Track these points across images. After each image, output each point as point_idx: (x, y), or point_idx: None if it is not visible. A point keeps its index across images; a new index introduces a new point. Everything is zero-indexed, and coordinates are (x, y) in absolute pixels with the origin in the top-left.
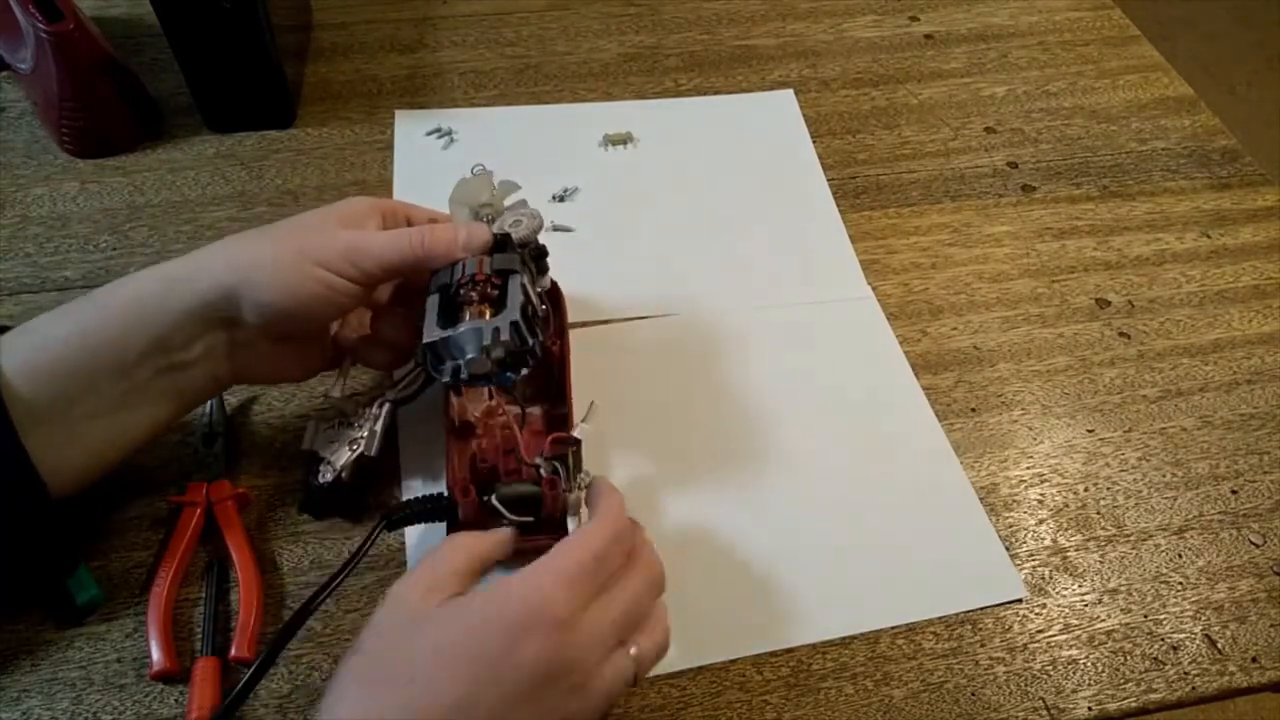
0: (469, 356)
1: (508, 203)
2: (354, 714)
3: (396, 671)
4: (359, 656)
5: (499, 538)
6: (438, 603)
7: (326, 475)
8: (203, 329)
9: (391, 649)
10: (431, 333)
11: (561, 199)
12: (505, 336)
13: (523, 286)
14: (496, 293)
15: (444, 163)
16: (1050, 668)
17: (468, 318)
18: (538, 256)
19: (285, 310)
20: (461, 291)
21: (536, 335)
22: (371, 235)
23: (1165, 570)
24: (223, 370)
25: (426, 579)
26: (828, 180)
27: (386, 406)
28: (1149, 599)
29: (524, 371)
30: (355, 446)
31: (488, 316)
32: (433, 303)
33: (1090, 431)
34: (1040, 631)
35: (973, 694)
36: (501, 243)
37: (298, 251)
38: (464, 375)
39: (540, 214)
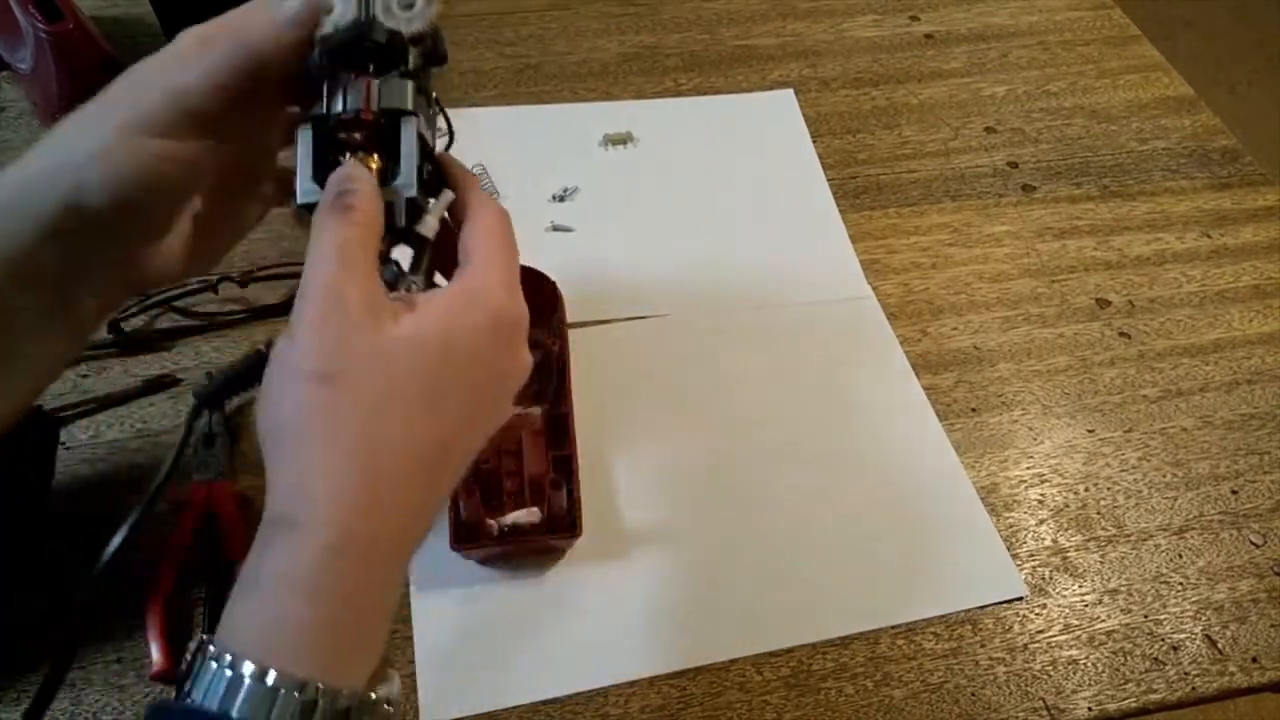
0: None
1: None
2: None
3: (387, 401)
4: (316, 391)
5: (373, 203)
6: (392, 311)
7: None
8: (62, 251)
9: (369, 375)
10: (305, 190)
11: (561, 199)
12: (399, 213)
13: (419, 137)
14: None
15: None
16: (1050, 668)
17: None
18: (431, 53)
19: (134, 208)
20: (342, 134)
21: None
22: (187, 65)
23: (1165, 570)
24: (110, 284)
25: (360, 289)
26: (828, 180)
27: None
28: (1149, 599)
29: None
30: None
31: (374, 168)
32: (305, 141)
33: (1090, 431)
34: (1040, 632)
35: (973, 694)
36: (388, 46)
37: (118, 129)
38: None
39: None
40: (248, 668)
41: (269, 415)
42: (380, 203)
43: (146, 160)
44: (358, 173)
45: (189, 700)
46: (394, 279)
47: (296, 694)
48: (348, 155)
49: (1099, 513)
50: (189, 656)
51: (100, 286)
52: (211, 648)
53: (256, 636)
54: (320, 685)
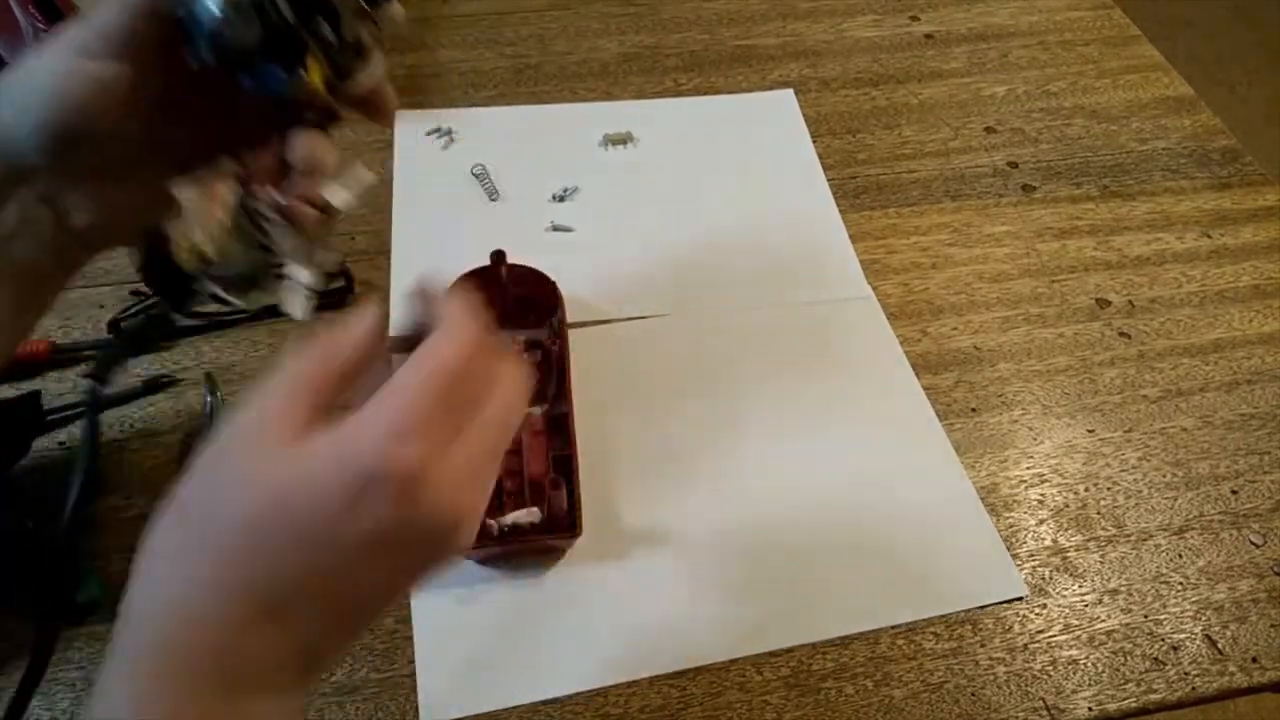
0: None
1: None
2: (160, 591)
3: (210, 536)
4: (174, 512)
5: (353, 338)
6: (278, 439)
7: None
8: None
9: (209, 505)
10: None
11: (561, 199)
12: None
13: None
14: None
15: (444, 163)
16: (1050, 668)
17: None
18: None
19: (70, 133)
20: None
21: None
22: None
23: (1165, 570)
24: (59, 236)
25: (278, 405)
26: (828, 180)
27: None
28: (1149, 599)
29: (300, 74)
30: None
31: None
32: None
33: (1090, 431)
34: (1040, 632)
35: (973, 694)
36: None
37: (58, 53)
38: (205, 53)
39: None
40: None
41: (148, 545)
42: (346, 347)
43: (78, 82)
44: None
45: None
46: None
47: None
48: None
49: (1099, 513)
50: None
51: (54, 239)
52: None
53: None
54: None
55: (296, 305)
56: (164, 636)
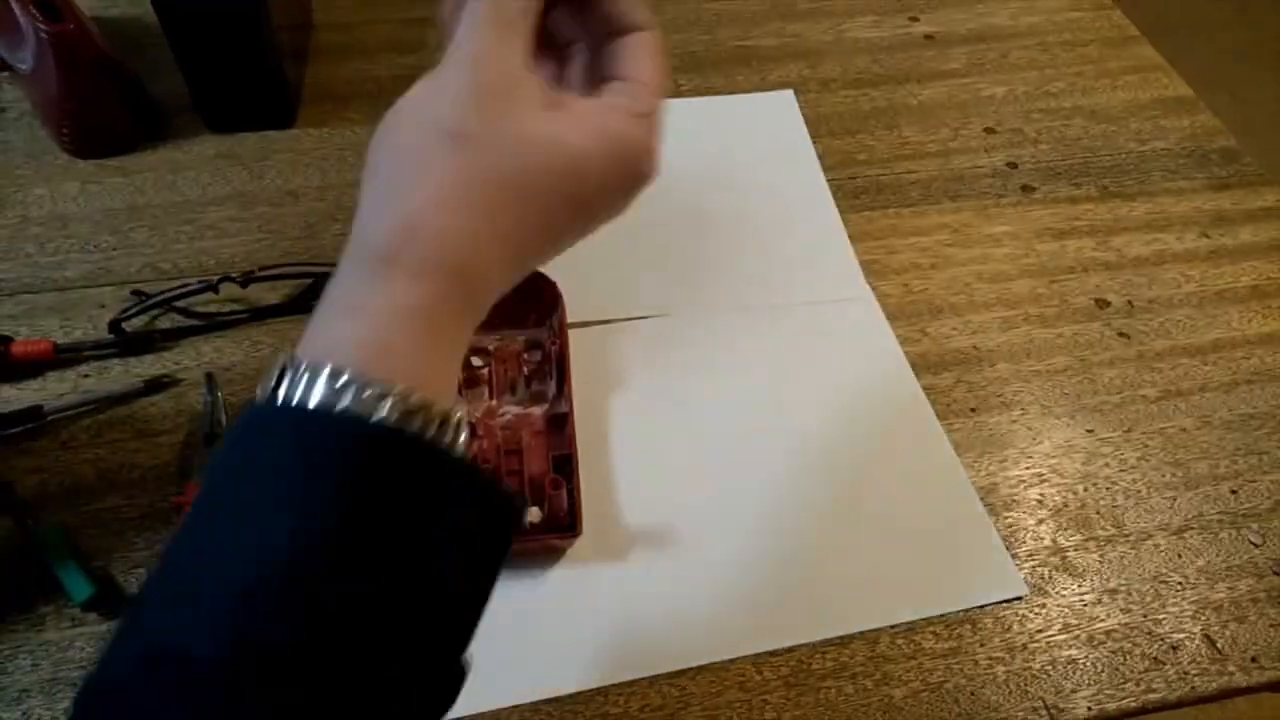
0: None
1: None
2: (419, 193)
3: (493, 173)
4: (456, 148)
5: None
6: (541, 111)
7: None
8: None
9: (493, 147)
10: None
11: None
12: None
13: None
14: None
15: None
16: (1050, 667)
17: None
18: None
19: None
20: None
21: None
22: None
23: (1165, 570)
24: None
25: (512, 65)
26: (828, 180)
27: None
28: (1148, 599)
29: None
30: None
31: None
32: None
33: (1090, 431)
34: (1040, 631)
35: (972, 694)
36: None
37: None
38: None
39: None
40: (346, 375)
41: (388, 156)
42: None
43: None
44: None
45: (281, 399)
46: None
47: (395, 398)
48: None
49: (1098, 512)
50: (276, 370)
51: None
52: (306, 360)
53: (360, 356)
54: (423, 397)
55: None
56: (461, 271)
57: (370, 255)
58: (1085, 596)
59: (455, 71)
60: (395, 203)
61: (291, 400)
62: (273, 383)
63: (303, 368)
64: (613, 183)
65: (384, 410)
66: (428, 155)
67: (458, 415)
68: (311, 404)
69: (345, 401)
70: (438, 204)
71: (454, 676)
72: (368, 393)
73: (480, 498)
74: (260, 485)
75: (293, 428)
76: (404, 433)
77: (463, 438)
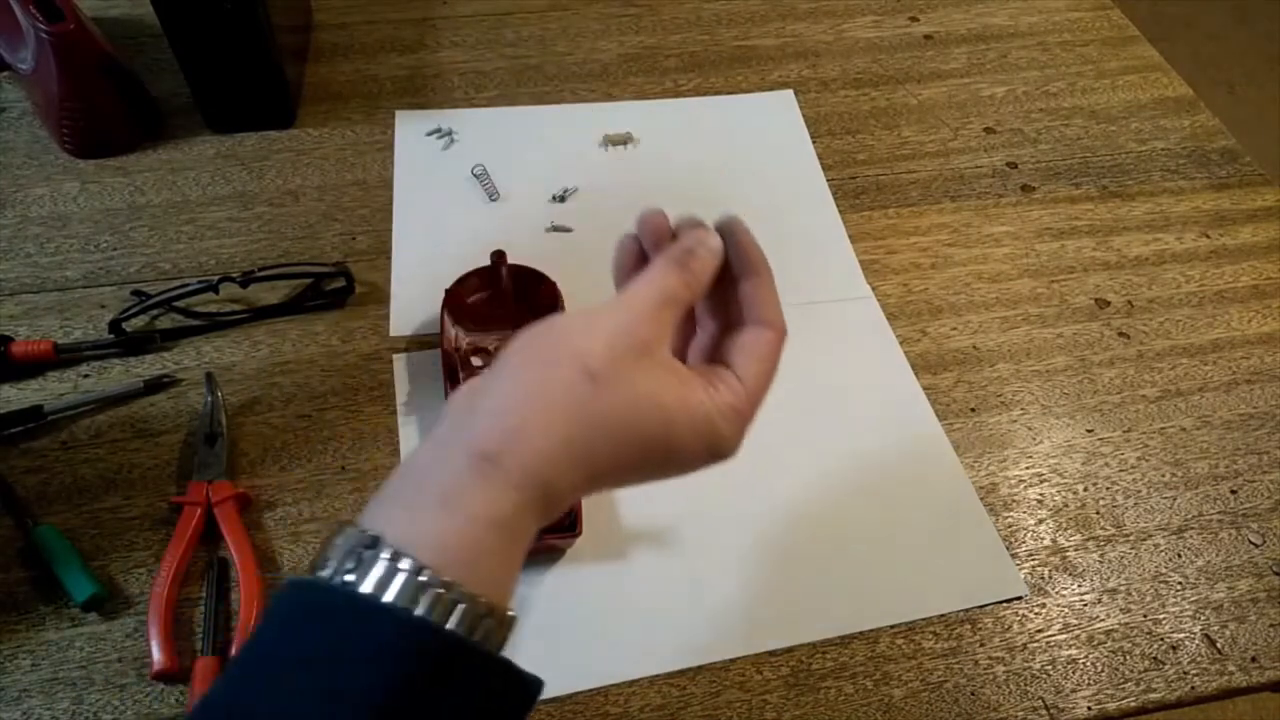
0: None
1: None
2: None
3: (600, 417)
4: (586, 383)
5: (711, 266)
6: (665, 378)
7: None
8: None
9: (621, 406)
10: None
11: (561, 199)
12: None
13: None
14: None
15: (444, 163)
16: (1050, 667)
17: None
18: None
19: None
20: None
21: None
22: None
23: (1165, 570)
24: None
25: (658, 341)
26: (828, 180)
27: None
28: (1148, 599)
29: None
30: None
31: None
32: None
33: (1090, 431)
34: (1040, 631)
35: (972, 693)
36: None
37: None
38: None
39: None
40: (428, 575)
41: (529, 363)
42: (710, 278)
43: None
44: (712, 242)
45: (353, 586)
46: None
47: (468, 605)
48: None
49: (1098, 512)
50: (346, 543)
51: None
52: (389, 548)
53: (449, 559)
54: (489, 603)
55: None
56: (551, 487)
57: (477, 450)
58: (1085, 596)
59: (617, 318)
60: (515, 411)
61: (362, 582)
62: (341, 558)
63: (385, 552)
64: (692, 457)
65: (456, 617)
66: (561, 380)
67: (511, 614)
68: (388, 597)
69: (423, 606)
70: (548, 425)
71: None
72: (449, 598)
73: (513, 688)
74: (316, 674)
75: (361, 620)
76: (468, 641)
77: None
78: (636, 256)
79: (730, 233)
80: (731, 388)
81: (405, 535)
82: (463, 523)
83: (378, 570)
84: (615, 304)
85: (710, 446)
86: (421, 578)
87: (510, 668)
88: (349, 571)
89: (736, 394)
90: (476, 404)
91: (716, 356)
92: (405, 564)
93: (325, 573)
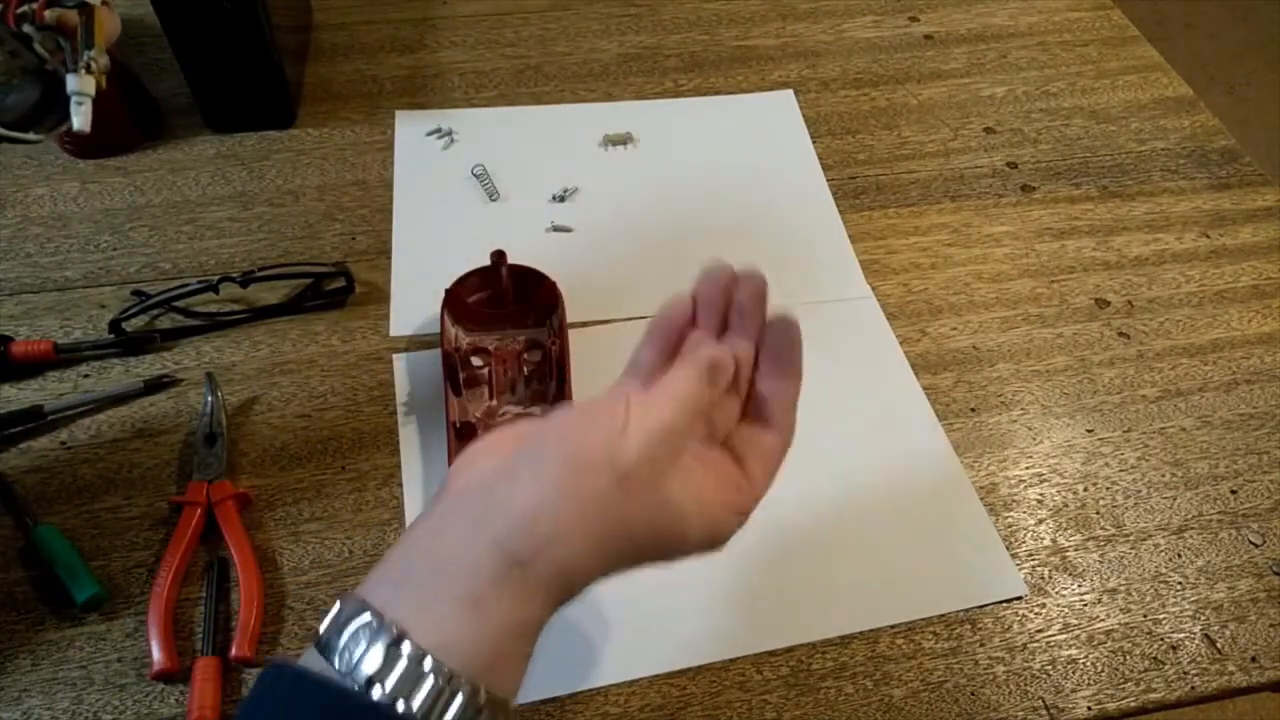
0: None
1: None
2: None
3: (590, 502)
4: (616, 484)
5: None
6: (681, 478)
7: None
8: None
9: (647, 506)
10: None
11: (561, 199)
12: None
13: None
14: None
15: (444, 163)
16: (1050, 667)
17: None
18: None
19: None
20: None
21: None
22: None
23: (1164, 570)
24: None
25: (682, 438)
26: (828, 180)
27: None
28: (1148, 599)
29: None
30: None
31: None
32: None
33: (1090, 431)
34: (1040, 631)
35: (972, 693)
36: None
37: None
38: None
39: None
40: (463, 685)
41: (560, 458)
42: (721, 393)
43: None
44: (730, 361)
45: (382, 696)
46: None
47: (479, 699)
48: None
49: (1098, 512)
50: (359, 626)
51: None
52: (411, 649)
53: (474, 665)
54: (502, 699)
55: (79, 117)
56: (571, 588)
57: (509, 554)
58: (1085, 596)
59: (648, 421)
60: (547, 518)
61: (385, 680)
62: (355, 645)
63: (408, 650)
64: (696, 549)
65: (457, 706)
66: (594, 486)
67: (515, 706)
68: (414, 704)
69: (452, 711)
70: (579, 531)
71: None
72: (473, 706)
73: None
74: None
75: None
76: None
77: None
78: (685, 323)
79: (785, 329)
80: (743, 492)
81: (433, 638)
82: (491, 630)
83: (398, 668)
84: (647, 404)
85: (714, 542)
86: (452, 686)
87: None
88: (360, 661)
89: (746, 498)
90: (499, 494)
91: (730, 442)
92: (427, 665)
93: (336, 660)
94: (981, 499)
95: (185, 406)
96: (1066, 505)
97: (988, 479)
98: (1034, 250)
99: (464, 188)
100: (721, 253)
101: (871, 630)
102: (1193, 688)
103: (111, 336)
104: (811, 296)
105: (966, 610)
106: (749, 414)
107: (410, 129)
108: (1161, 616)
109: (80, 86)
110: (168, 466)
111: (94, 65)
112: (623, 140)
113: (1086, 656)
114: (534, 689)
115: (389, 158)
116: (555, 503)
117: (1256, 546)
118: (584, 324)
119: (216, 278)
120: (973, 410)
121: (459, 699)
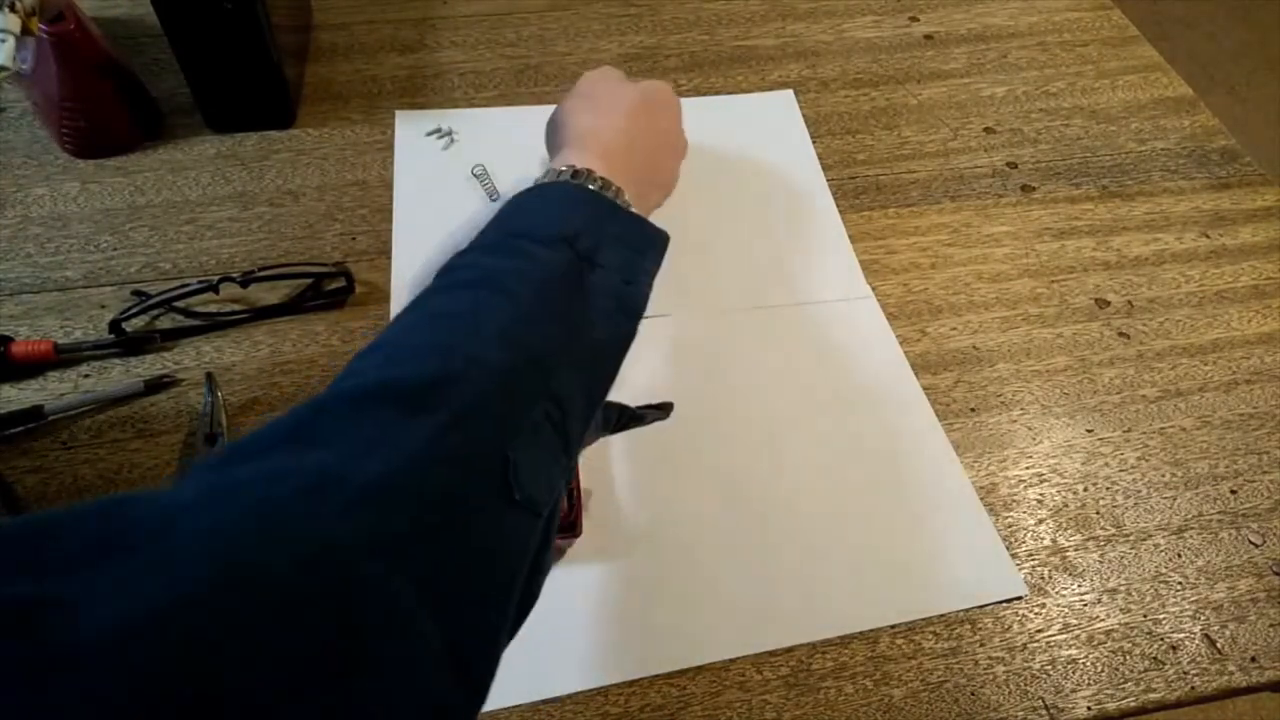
0: None
1: None
2: (586, 122)
3: (608, 105)
4: (581, 99)
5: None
6: (624, 83)
7: None
8: None
9: (603, 95)
10: None
11: None
12: None
13: None
14: None
15: (444, 163)
16: (1050, 667)
17: None
18: None
19: None
20: None
21: None
22: None
23: (1164, 570)
24: None
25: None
26: (828, 180)
27: None
28: (1148, 599)
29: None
30: None
31: None
32: None
33: (1090, 431)
34: (1039, 631)
35: (972, 694)
36: None
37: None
38: None
39: None
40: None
41: (598, 92)
42: None
43: None
44: None
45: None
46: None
47: (595, 178)
48: None
49: (1098, 512)
50: (554, 171)
51: None
52: (562, 166)
53: (584, 165)
54: (605, 179)
55: (2, 54)
56: (592, 134)
57: (576, 138)
58: (1085, 596)
59: (644, 83)
60: (591, 117)
61: (561, 177)
62: (550, 174)
63: (566, 169)
64: (672, 124)
65: (594, 183)
66: (619, 99)
67: (616, 186)
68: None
69: (591, 184)
70: (603, 123)
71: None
72: (586, 177)
73: (650, 228)
74: (548, 203)
75: (562, 188)
76: (602, 193)
77: (627, 197)
78: None
79: None
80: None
81: (565, 163)
82: (580, 159)
83: (565, 173)
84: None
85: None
86: (575, 172)
87: (633, 214)
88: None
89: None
90: (574, 116)
91: None
92: (568, 170)
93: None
94: (981, 499)
95: (185, 406)
96: (1066, 505)
97: (987, 479)
98: (1034, 250)
99: (464, 188)
100: (721, 253)
101: (871, 630)
102: (1193, 688)
103: (112, 336)
104: (811, 296)
105: (966, 610)
106: None
107: (410, 129)
108: (1161, 616)
109: (5, 24)
110: (168, 466)
111: (18, 4)
112: None
113: (1086, 656)
114: (534, 689)
115: (389, 158)
116: (594, 112)
117: (1256, 546)
118: None
119: (216, 278)
120: (972, 410)
121: (591, 179)
